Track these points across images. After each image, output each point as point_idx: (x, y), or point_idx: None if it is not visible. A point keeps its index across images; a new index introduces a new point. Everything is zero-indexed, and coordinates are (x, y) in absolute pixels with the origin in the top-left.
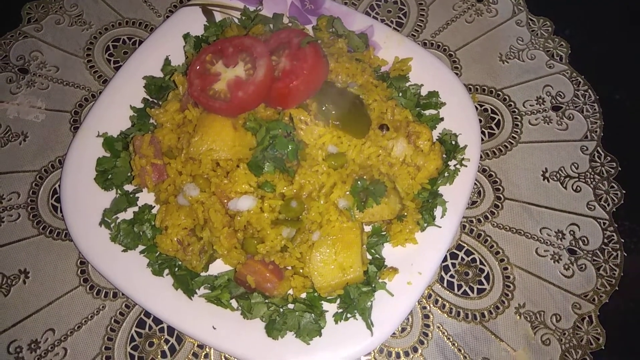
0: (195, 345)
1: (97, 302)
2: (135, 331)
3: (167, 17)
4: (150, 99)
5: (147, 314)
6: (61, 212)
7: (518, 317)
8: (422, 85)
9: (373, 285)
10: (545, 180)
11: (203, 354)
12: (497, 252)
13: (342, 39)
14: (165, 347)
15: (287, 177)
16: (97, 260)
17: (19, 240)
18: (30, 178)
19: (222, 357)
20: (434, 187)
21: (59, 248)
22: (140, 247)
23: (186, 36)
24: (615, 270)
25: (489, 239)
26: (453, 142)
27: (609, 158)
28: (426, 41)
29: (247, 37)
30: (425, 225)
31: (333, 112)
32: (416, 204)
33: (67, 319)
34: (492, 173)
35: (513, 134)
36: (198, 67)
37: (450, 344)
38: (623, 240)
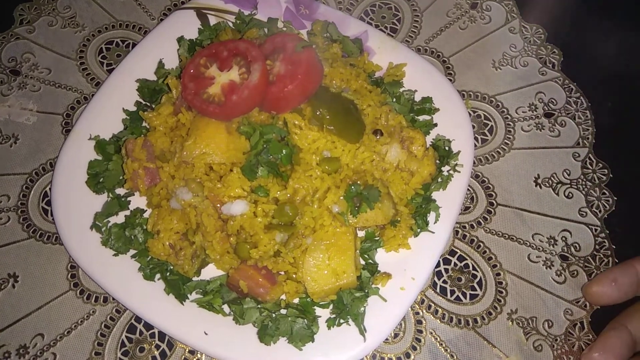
0: (187, 350)
1: (87, 306)
2: (126, 336)
3: (161, 20)
4: (144, 102)
5: (138, 319)
6: (52, 215)
7: (510, 323)
8: (416, 91)
9: (366, 291)
10: (538, 186)
11: (194, 359)
12: (490, 258)
13: (337, 44)
14: (156, 353)
15: (280, 181)
16: (87, 265)
17: (9, 244)
18: (20, 181)
19: None
20: (427, 193)
21: (49, 252)
22: (132, 252)
23: (180, 39)
24: None
25: (481, 244)
26: (446, 148)
27: (601, 165)
28: (420, 47)
29: (241, 41)
30: (419, 230)
31: (327, 116)
32: (409, 209)
33: (57, 323)
34: (485, 179)
35: (506, 140)
36: (192, 71)
37: (443, 349)
38: (614, 247)
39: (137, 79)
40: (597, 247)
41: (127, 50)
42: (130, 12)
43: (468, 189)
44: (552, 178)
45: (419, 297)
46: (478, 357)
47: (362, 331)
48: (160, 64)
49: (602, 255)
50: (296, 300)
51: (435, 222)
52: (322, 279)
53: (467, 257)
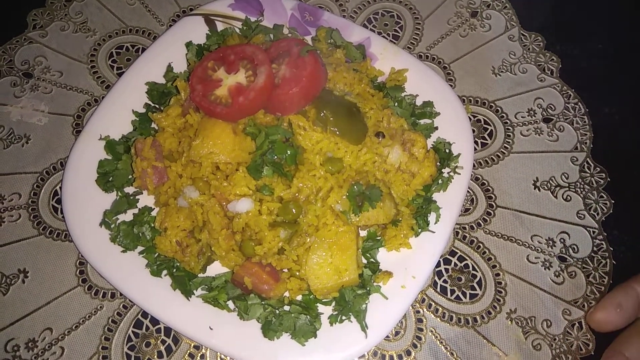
0: (192, 345)
1: (95, 302)
2: (133, 331)
3: (170, 26)
4: (152, 104)
5: (145, 315)
6: (61, 213)
7: (509, 322)
8: (417, 95)
9: (368, 289)
10: (536, 189)
11: (199, 354)
12: (489, 259)
13: (340, 50)
14: (162, 348)
15: (285, 180)
16: (96, 261)
17: (19, 240)
18: (31, 179)
19: (218, 358)
20: (428, 194)
21: (59, 248)
22: (140, 248)
23: (188, 44)
24: (605, 278)
25: (481, 245)
26: (447, 151)
27: (599, 169)
28: (421, 54)
29: (248, 45)
30: (420, 230)
31: (331, 118)
32: (410, 209)
33: (65, 318)
34: (485, 181)
35: (505, 144)
36: (200, 73)
37: (443, 347)
38: (612, 249)
39: (147, 82)
40: (594, 249)
41: (136, 54)
42: (140, 18)
43: (468, 191)
44: (550, 181)
45: (419, 296)
46: (477, 355)
47: (364, 328)
48: (169, 68)
49: (599, 257)
50: (299, 297)
51: (435, 223)
52: (325, 277)
53: (467, 258)
